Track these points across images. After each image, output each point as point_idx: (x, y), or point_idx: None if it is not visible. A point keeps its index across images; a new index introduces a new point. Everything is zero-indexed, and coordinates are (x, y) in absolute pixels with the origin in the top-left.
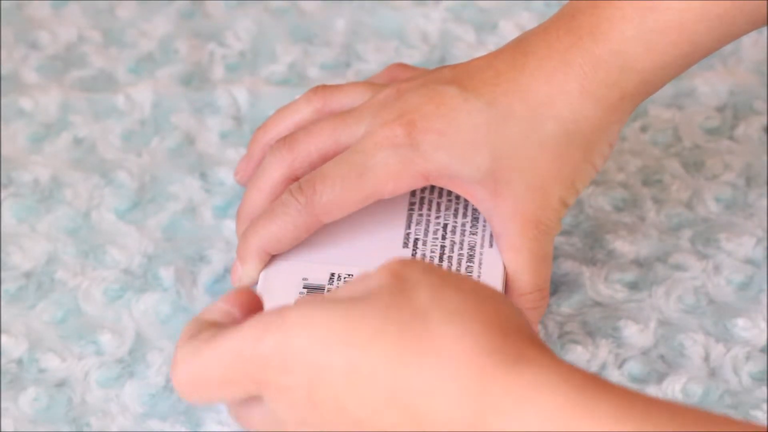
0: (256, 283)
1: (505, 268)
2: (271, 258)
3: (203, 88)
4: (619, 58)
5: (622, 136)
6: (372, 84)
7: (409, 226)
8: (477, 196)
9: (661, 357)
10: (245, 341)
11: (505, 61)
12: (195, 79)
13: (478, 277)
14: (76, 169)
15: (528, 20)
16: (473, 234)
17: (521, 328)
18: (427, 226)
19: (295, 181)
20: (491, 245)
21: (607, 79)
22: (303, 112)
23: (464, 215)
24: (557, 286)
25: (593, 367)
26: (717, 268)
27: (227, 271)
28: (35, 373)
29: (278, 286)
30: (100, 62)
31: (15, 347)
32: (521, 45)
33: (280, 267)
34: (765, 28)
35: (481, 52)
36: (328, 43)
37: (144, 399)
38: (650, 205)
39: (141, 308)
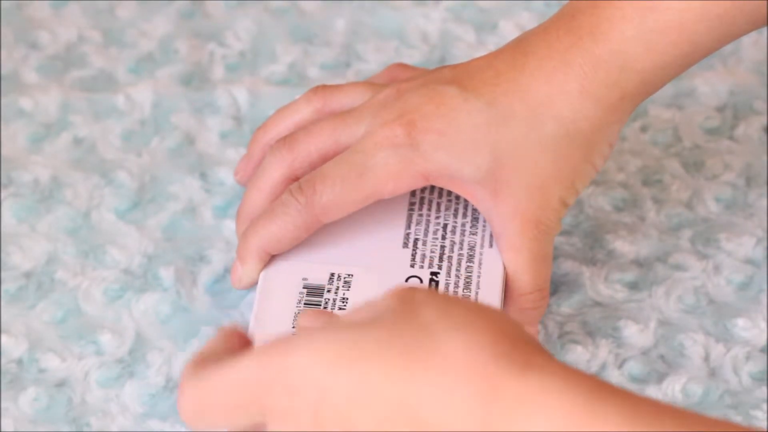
0: (256, 283)
1: (505, 268)
2: (271, 258)
3: (203, 88)
4: (619, 58)
5: (622, 136)
6: (372, 84)
7: (409, 226)
8: (477, 196)
9: (661, 357)
10: (249, 368)
11: (505, 61)
12: (195, 79)
13: (478, 277)
14: (76, 169)
15: (528, 20)
16: (473, 234)
17: (526, 339)
18: (427, 226)
19: (295, 181)
20: (491, 245)
21: (607, 79)
22: (303, 112)
23: (464, 215)
24: (557, 286)
25: (593, 367)
26: (717, 268)
27: (227, 271)
28: (35, 373)
29: (278, 286)
30: (100, 62)
31: (15, 347)
32: (521, 45)
33: (280, 267)
34: (765, 28)
35: (481, 52)
36: (328, 43)
37: (144, 399)
38: (650, 205)
39: (141, 308)
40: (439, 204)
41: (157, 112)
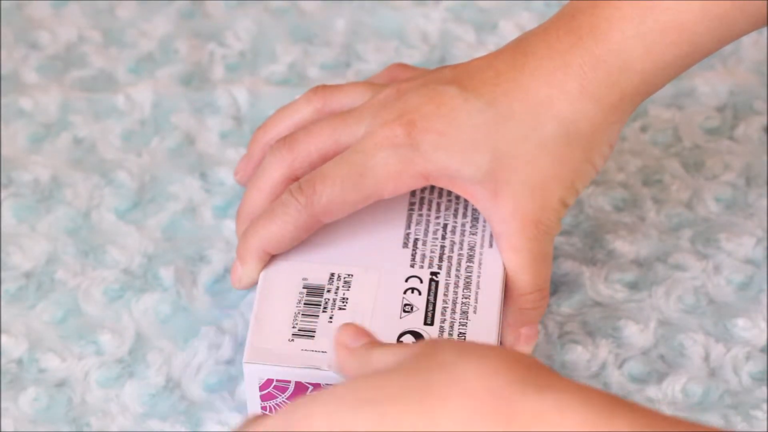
0: (256, 283)
1: (504, 268)
2: (271, 258)
3: (203, 88)
4: (619, 58)
5: (622, 136)
6: (372, 84)
7: (409, 226)
8: (477, 196)
9: (661, 357)
10: (275, 423)
11: (505, 61)
12: (195, 79)
13: (478, 277)
14: (76, 169)
15: (528, 20)
16: (473, 234)
17: (540, 365)
18: (427, 226)
19: (295, 181)
20: (491, 245)
21: (607, 79)
22: (303, 112)
23: (464, 215)
24: (557, 286)
25: (593, 367)
26: (717, 268)
27: (227, 271)
28: (35, 373)
29: (278, 286)
30: (100, 62)
31: (15, 347)
32: (521, 45)
33: (280, 267)
34: (765, 28)
35: (481, 52)
36: (328, 43)
37: (144, 399)
38: (650, 205)
39: (141, 308)
40: (439, 204)
41: (157, 112)
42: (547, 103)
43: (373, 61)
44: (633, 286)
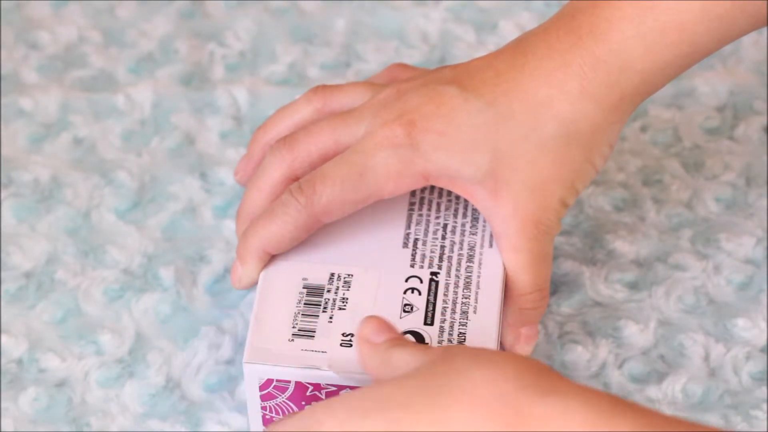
0: (256, 283)
1: (504, 268)
2: (271, 258)
3: (203, 88)
4: (619, 58)
5: (622, 136)
6: (372, 84)
7: (409, 226)
8: (477, 196)
9: (661, 357)
10: (294, 420)
11: (505, 61)
12: (195, 79)
13: (478, 277)
14: (76, 169)
15: (528, 20)
16: (473, 234)
17: (549, 371)
18: (427, 226)
19: (295, 181)
20: (491, 245)
21: (607, 79)
22: (303, 112)
23: (464, 215)
24: (557, 286)
25: (593, 367)
26: (717, 268)
27: (227, 271)
28: (35, 373)
29: (278, 286)
30: (100, 62)
31: (15, 347)
32: (521, 45)
33: (280, 267)
34: (765, 28)
35: (481, 52)
36: (328, 43)
37: (144, 399)
38: (650, 205)
39: (141, 308)
40: (439, 204)
41: (157, 112)
42: (547, 103)
43: (373, 61)
44: (633, 286)
